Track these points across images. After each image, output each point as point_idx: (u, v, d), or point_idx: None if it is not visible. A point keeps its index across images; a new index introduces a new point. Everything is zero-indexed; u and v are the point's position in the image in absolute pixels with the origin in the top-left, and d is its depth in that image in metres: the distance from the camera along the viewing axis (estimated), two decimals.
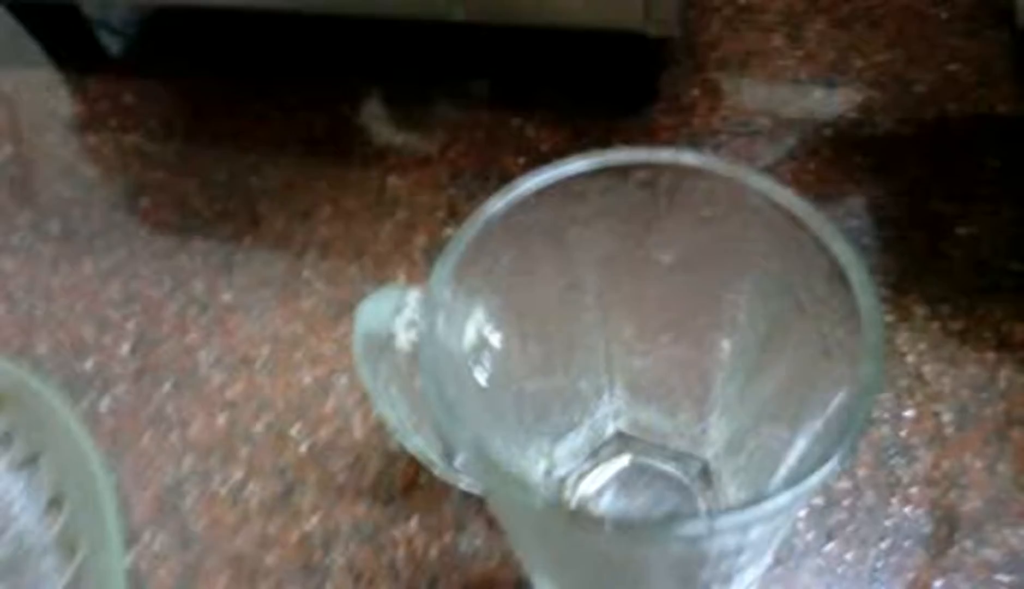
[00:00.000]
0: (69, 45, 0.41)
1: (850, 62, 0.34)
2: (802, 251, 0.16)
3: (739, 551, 0.15)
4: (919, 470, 0.25)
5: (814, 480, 0.13)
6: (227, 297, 0.31)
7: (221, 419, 0.29)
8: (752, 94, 0.34)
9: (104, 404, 0.29)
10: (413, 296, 0.18)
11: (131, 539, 0.26)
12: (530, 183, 0.17)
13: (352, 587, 0.25)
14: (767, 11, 0.37)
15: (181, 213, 0.34)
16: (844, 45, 0.35)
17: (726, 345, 0.20)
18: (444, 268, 0.16)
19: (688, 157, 0.17)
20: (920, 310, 0.28)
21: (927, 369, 0.27)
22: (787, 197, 0.16)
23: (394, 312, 0.18)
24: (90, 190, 0.36)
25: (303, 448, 0.28)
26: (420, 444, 0.23)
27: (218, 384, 0.29)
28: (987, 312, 0.27)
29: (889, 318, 0.28)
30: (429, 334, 0.16)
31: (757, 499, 0.13)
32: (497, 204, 0.17)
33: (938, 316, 0.27)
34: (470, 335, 0.18)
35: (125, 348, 0.31)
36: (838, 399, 0.15)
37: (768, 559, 0.22)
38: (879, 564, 0.24)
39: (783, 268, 0.17)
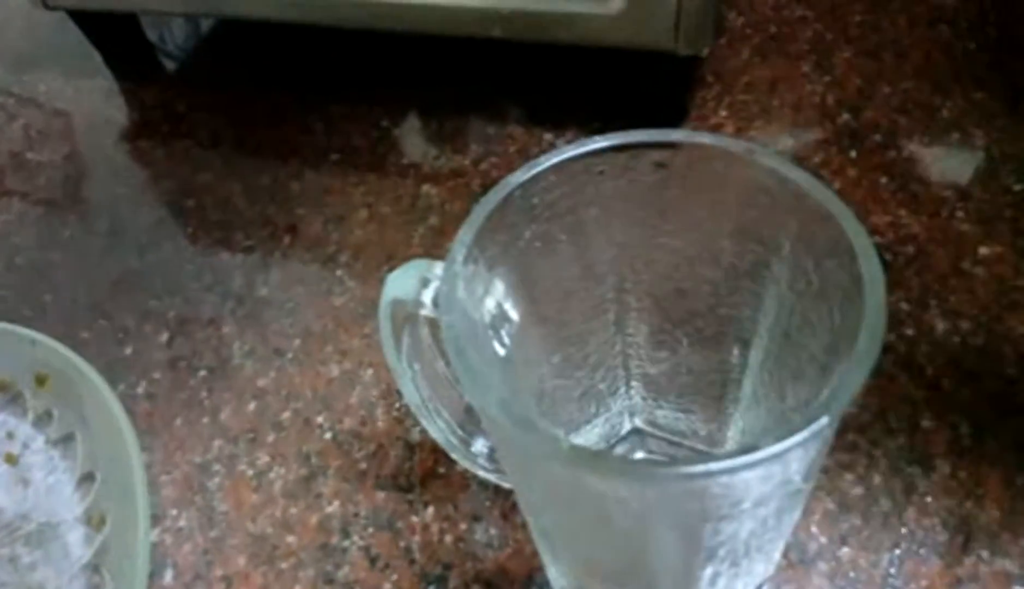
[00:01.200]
0: (128, 58, 0.43)
1: (876, 88, 0.35)
2: (810, 226, 0.17)
3: (739, 515, 0.16)
4: (935, 479, 0.25)
5: (798, 438, 0.13)
6: (263, 292, 0.33)
7: (251, 406, 0.30)
8: (779, 117, 0.35)
9: (141, 388, 0.31)
10: (440, 268, 0.19)
11: (158, 516, 0.27)
12: (551, 160, 0.18)
13: (368, 570, 0.25)
14: (796, 40, 0.38)
15: (224, 213, 0.36)
16: (871, 73, 0.36)
17: (742, 339, 0.21)
18: (465, 234, 0.17)
19: (701, 137, 0.17)
20: (940, 325, 0.28)
21: (946, 382, 0.27)
22: (794, 172, 0.16)
23: (421, 283, 0.19)
24: (139, 190, 0.37)
25: (328, 436, 0.28)
26: (441, 426, 0.24)
27: (250, 373, 0.30)
28: (1008, 329, 0.27)
29: (909, 331, 0.28)
30: (449, 297, 0.17)
31: (743, 450, 0.13)
32: (518, 177, 0.18)
33: (958, 331, 0.28)
34: (489, 306, 0.19)
35: (164, 336, 0.32)
36: (838, 371, 0.15)
37: (777, 556, 0.22)
38: (892, 570, 0.23)
39: (793, 247, 0.17)
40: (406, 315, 0.19)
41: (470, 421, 0.25)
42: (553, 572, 0.22)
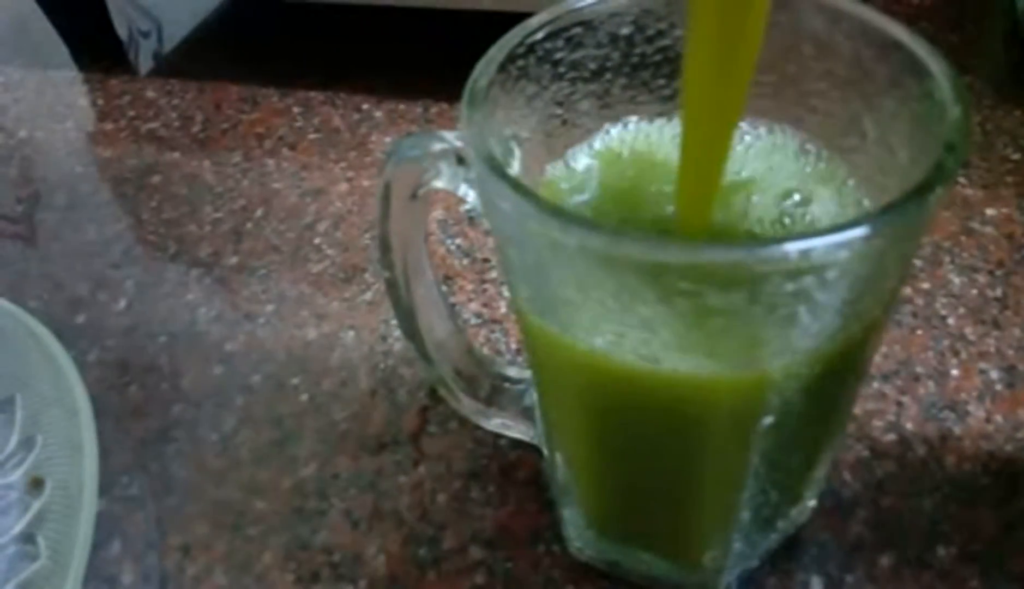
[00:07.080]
0: (95, 49, 0.41)
1: None
2: (869, 66, 0.15)
3: (801, 352, 0.14)
4: (972, 424, 0.23)
5: (859, 231, 0.11)
6: (233, 261, 0.30)
7: (217, 370, 0.27)
8: None
9: (93, 355, 0.28)
10: (454, 135, 0.17)
11: (106, 485, 0.24)
12: (578, 3, 0.16)
13: (350, 533, 0.22)
14: None
15: (192, 188, 0.33)
16: None
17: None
18: (489, 64, 0.15)
19: None
20: (957, 279, 0.27)
21: (969, 331, 0.25)
22: (852, 6, 0.15)
23: (429, 151, 0.17)
24: (101, 168, 0.35)
25: (303, 398, 0.26)
26: (436, 358, 0.21)
27: (216, 338, 0.28)
28: None
29: (925, 285, 0.27)
30: (472, 118, 0.15)
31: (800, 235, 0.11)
32: (543, 17, 0.16)
33: (975, 284, 0.26)
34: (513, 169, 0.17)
35: (121, 304, 0.29)
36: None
37: (819, 482, 0.20)
38: (938, 516, 0.21)
39: (844, 98, 0.16)
40: (414, 185, 0.17)
41: (471, 362, 0.22)
42: (569, 506, 0.20)
